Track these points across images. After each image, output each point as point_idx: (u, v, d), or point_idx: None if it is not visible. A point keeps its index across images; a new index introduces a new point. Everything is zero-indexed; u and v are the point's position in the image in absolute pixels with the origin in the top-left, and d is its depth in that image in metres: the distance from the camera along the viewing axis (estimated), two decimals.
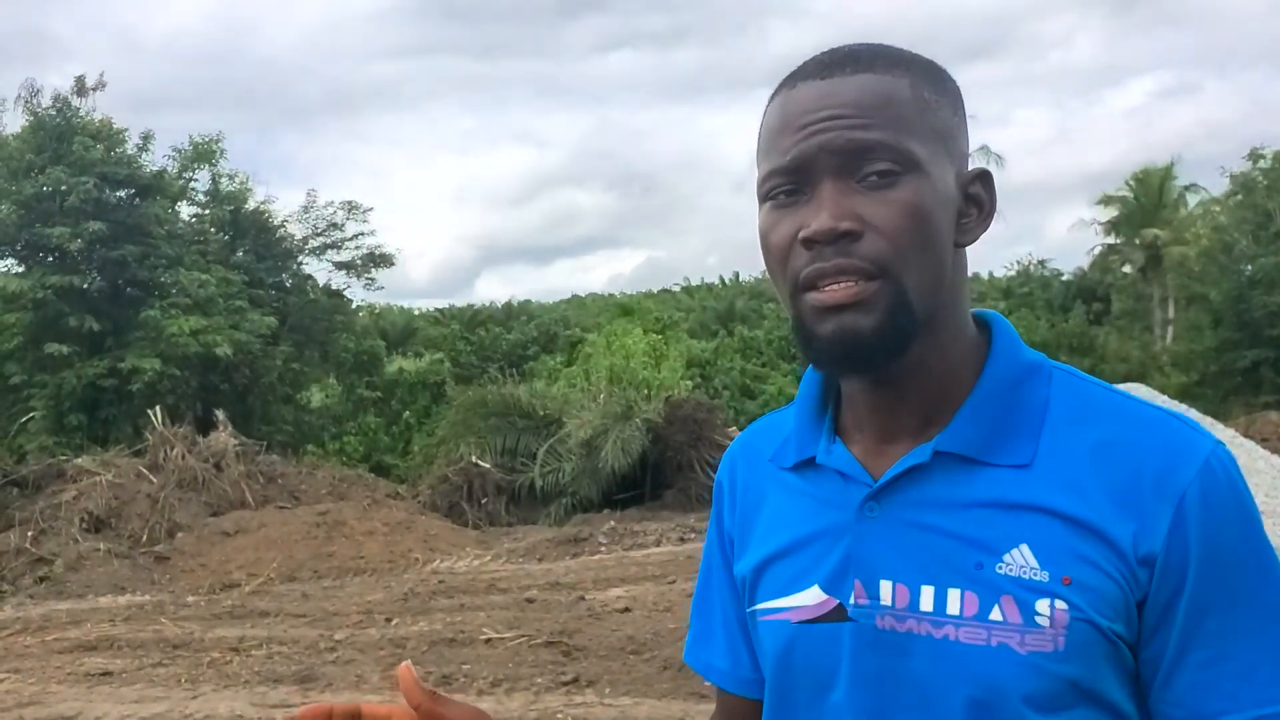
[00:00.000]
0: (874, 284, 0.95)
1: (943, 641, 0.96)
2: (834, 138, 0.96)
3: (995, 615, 0.94)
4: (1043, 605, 0.93)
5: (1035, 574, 0.94)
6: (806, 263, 0.97)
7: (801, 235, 0.96)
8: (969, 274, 1.07)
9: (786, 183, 0.98)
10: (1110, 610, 0.93)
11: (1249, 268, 28.78)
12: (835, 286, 0.95)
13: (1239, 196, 30.84)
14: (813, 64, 1.01)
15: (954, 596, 0.96)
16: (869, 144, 0.95)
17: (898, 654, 0.99)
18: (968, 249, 1.05)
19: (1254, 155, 30.51)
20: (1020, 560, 0.94)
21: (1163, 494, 0.93)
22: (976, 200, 1.02)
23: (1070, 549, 0.94)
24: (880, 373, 1.01)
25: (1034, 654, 0.93)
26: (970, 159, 1.05)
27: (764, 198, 1.01)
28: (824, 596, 1.03)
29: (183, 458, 14.74)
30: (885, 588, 1.00)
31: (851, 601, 1.01)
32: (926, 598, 0.97)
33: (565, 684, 6.68)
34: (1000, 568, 0.95)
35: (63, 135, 21.77)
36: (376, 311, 38.12)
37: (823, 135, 0.96)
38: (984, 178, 1.03)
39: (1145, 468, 0.94)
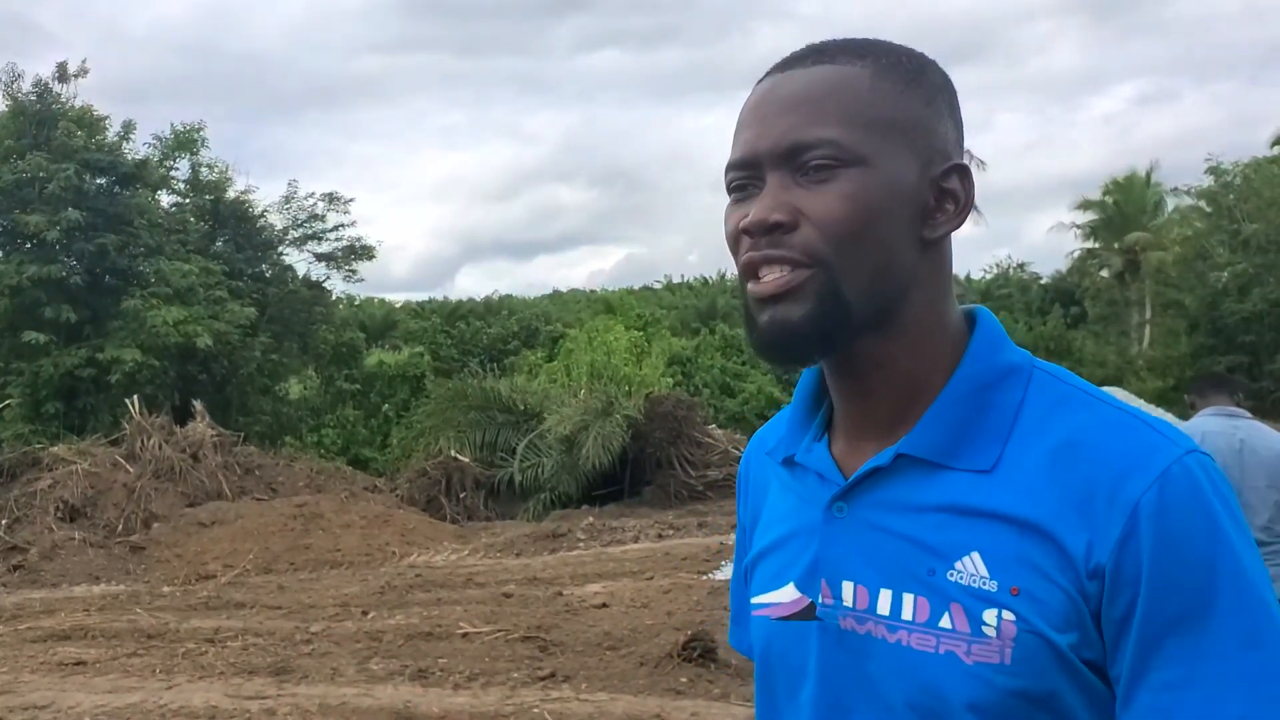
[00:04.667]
0: (804, 273, 0.95)
1: (895, 646, 0.96)
2: (775, 135, 0.97)
3: (945, 623, 0.93)
4: (990, 615, 0.91)
5: (984, 583, 0.92)
6: (746, 250, 0.99)
7: (740, 226, 0.98)
8: (952, 272, 1.04)
9: (740, 176, 1.00)
10: (1061, 622, 0.89)
11: (1225, 275, 29.06)
12: (769, 276, 0.97)
13: (1209, 208, 31.08)
14: (784, 58, 1.03)
15: (908, 601, 0.95)
16: (807, 138, 0.95)
17: (858, 655, 0.98)
18: (951, 245, 1.02)
19: (1214, 170, 30.70)
20: (971, 568, 0.93)
21: (1116, 502, 0.89)
22: (952, 195, 1.00)
23: (1021, 558, 0.91)
24: (811, 363, 1.02)
25: (980, 664, 0.91)
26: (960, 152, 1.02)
27: (727, 190, 1.03)
28: (798, 595, 1.04)
29: (160, 448, 14.66)
30: (847, 589, 1.00)
31: (820, 601, 1.02)
32: (884, 601, 0.97)
33: (542, 679, 6.69)
34: (951, 575, 0.93)
35: (43, 121, 21.57)
36: (356, 304, 37.98)
37: (767, 130, 0.98)
38: (960, 171, 1.00)
39: (1101, 473, 0.90)
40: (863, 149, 0.95)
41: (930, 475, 0.97)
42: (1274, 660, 0.87)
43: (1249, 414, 4.28)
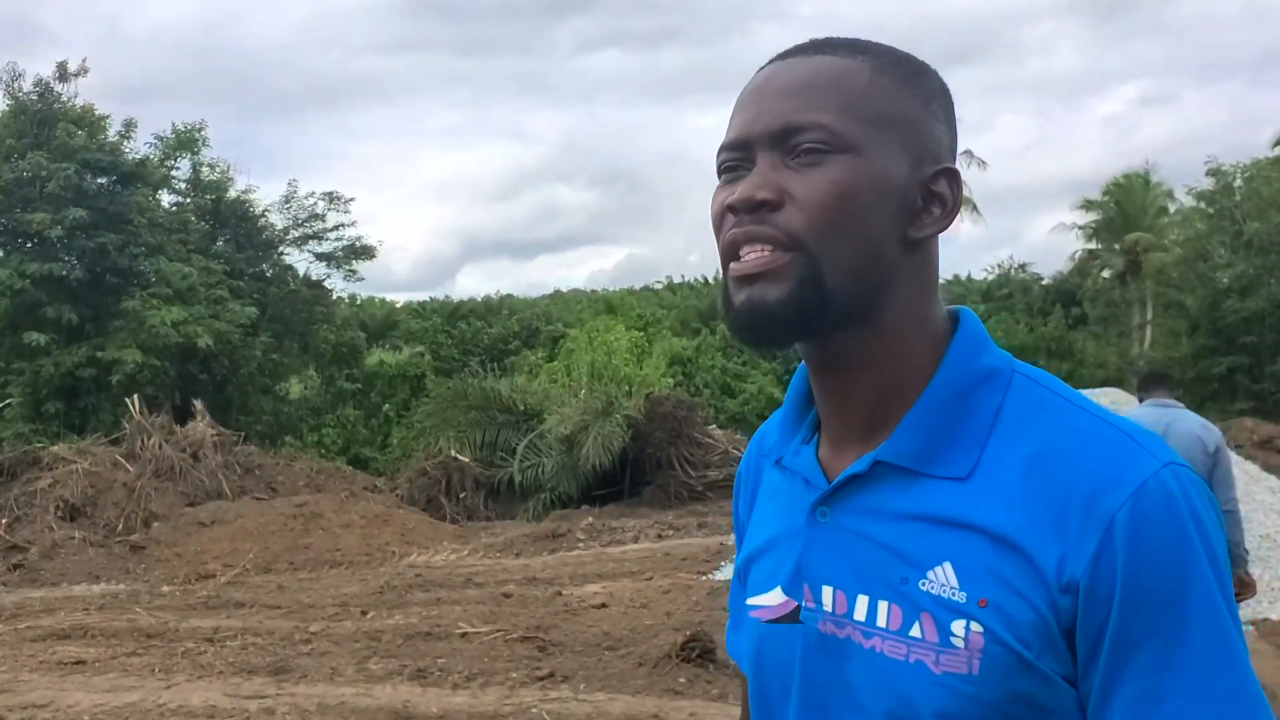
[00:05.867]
0: (786, 255, 0.95)
1: (870, 652, 0.96)
2: (770, 116, 0.98)
3: (915, 632, 0.93)
4: (958, 626, 0.91)
5: (954, 594, 0.92)
6: (729, 229, 0.98)
7: (725, 202, 0.98)
8: (939, 275, 1.03)
9: (732, 157, 1.01)
10: (1029, 635, 0.89)
11: (1226, 276, 29.05)
12: (750, 255, 0.96)
13: (1210, 209, 31.08)
14: (787, 49, 1.04)
15: (883, 608, 0.96)
16: (801, 122, 0.96)
17: (838, 659, 0.99)
18: (939, 248, 1.02)
19: (1214, 172, 30.70)
20: (941, 579, 0.93)
21: (1091, 516, 0.88)
22: (939, 198, 1.00)
23: (991, 570, 0.91)
24: (784, 347, 1.01)
25: (947, 674, 0.91)
26: (953, 159, 1.02)
27: (718, 172, 1.03)
28: (784, 598, 1.04)
29: (160, 447, 14.66)
30: (827, 593, 1.00)
31: (803, 605, 1.02)
32: (860, 607, 0.97)
33: (540, 679, 6.69)
34: (923, 584, 0.93)
35: (44, 120, 21.59)
36: (357, 303, 38.00)
37: (763, 113, 0.98)
38: (950, 175, 1.00)
39: (1076, 486, 0.90)
40: (855, 138, 0.95)
41: (908, 483, 0.97)
42: (1241, 676, 0.88)
43: (1181, 404, 5.18)
